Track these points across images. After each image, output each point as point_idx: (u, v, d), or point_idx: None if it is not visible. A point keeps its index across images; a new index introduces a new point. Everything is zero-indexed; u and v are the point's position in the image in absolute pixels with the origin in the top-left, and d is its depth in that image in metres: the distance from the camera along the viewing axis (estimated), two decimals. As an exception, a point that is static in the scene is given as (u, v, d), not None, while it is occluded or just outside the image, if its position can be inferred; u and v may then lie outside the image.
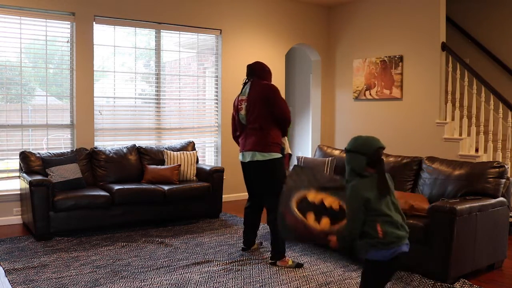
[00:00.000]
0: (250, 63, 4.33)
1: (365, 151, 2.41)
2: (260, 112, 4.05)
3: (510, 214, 4.21)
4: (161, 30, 6.41)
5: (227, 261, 4.12)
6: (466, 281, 3.66)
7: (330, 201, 2.46)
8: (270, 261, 4.11)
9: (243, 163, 4.25)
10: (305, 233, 2.44)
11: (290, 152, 4.38)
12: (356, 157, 2.43)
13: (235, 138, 4.41)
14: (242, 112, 4.17)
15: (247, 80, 4.27)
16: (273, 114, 4.05)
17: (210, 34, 6.83)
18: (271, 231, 4.10)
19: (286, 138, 4.26)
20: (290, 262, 4.05)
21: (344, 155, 5.29)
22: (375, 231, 2.36)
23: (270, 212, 4.09)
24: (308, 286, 3.59)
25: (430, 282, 3.62)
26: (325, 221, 2.41)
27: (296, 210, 2.42)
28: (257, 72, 4.24)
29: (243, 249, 4.46)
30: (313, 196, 2.45)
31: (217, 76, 6.96)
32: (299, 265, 4.04)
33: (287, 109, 4.11)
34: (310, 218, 2.40)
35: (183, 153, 5.93)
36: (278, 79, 7.46)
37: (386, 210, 2.39)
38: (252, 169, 4.14)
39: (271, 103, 4.03)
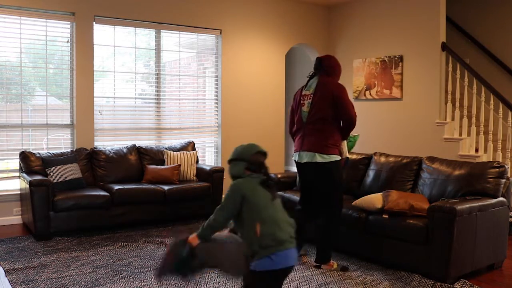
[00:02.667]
0: (321, 55, 3.99)
1: (244, 157, 2.55)
2: (325, 113, 3.83)
3: (510, 214, 4.20)
4: (161, 30, 6.41)
5: (227, 261, 4.11)
6: (466, 281, 3.66)
7: None
8: (314, 264, 4.00)
9: (299, 164, 3.99)
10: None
11: (348, 156, 4.08)
12: (236, 164, 2.57)
13: (292, 133, 4.15)
14: (304, 108, 3.95)
15: (313, 74, 4.01)
16: (338, 116, 3.85)
17: (210, 34, 6.83)
18: (322, 234, 3.96)
19: (345, 142, 4.01)
20: (335, 266, 3.95)
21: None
22: (253, 232, 2.37)
23: (326, 215, 3.95)
24: (307, 286, 3.59)
25: (430, 282, 3.62)
26: None
27: None
28: (326, 68, 3.94)
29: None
30: None
31: (217, 76, 6.96)
32: (344, 268, 3.93)
33: (354, 112, 3.86)
34: None
35: (183, 153, 5.93)
36: (278, 79, 7.46)
37: (270, 211, 2.43)
38: (311, 170, 3.92)
39: (338, 105, 3.81)
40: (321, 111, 3.84)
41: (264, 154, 2.60)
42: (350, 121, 3.86)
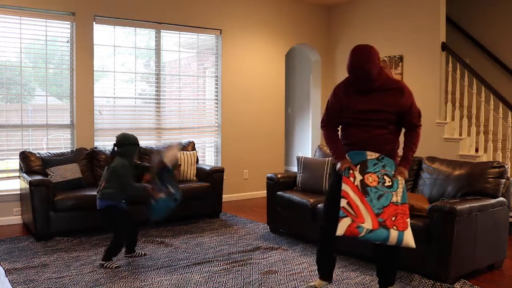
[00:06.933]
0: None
1: None
2: None
3: (510, 214, 4.21)
4: (161, 30, 6.41)
5: (227, 261, 4.12)
6: (466, 281, 3.66)
7: None
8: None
9: None
10: None
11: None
12: None
13: None
14: None
15: None
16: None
17: (210, 34, 6.83)
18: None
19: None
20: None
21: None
22: None
23: None
24: (306, 286, 3.58)
25: (430, 282, 3.62)
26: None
27: None
28: None
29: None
30: None
31: (217, 76, 6.96)
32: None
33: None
34: None
35: (183, 153, 5.93)
36: (278, 79, 7.47)
37: None
38: None
39: None
40: None
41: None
42: None
